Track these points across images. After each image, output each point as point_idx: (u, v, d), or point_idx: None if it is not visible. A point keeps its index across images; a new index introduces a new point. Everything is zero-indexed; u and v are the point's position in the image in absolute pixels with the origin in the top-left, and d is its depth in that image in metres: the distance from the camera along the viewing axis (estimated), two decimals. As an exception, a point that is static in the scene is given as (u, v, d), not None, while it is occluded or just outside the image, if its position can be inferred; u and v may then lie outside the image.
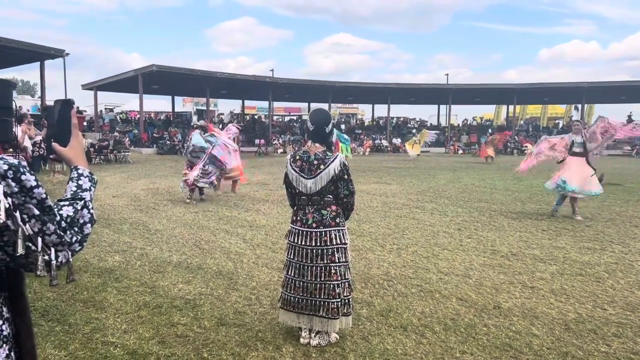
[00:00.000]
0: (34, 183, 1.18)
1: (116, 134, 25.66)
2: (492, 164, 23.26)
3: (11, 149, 8.07)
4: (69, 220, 1.24)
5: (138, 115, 34.01)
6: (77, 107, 33.41)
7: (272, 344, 3.45)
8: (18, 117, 11.23)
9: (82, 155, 1.46)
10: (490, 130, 32.71)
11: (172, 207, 9.24)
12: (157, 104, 45.73)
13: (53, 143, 1.41)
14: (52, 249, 1.20)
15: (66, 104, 1.48)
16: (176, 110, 42.28)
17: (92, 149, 20.76)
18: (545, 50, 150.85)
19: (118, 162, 21.17)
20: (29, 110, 24.43)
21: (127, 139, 26.39)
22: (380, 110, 45.27)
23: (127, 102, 44.51)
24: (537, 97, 42.54)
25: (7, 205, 1.13)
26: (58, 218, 1.22)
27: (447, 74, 44.11)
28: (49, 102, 25.16)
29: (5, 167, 1.15)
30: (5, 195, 1.13)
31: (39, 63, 23.95)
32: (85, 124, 30.88)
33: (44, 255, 1.19)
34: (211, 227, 7.48)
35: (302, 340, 3.47)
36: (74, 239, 1.25)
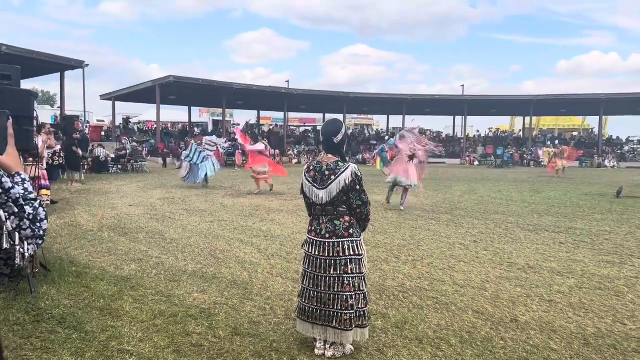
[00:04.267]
0: (10, 185, 1.30)
1: (134, 143, 25.91)
2: (563, 177, 22.04)
3: (31, 158, 8.20)
4: (31, 217, 1.35)
5: (155, 125, 34.43)
6: (104, 120, 33.84)
7: (287, 355, 3.44)
8: (37, 126, 11.43)
9: (19, 162, 1.55)
10: (557, 142, 31.09)
11: (187, 217, 9.31)
12: (174, 114, 46.27)
13: None
14: (25, 243, 1.33)
15: (1, 115, 1.56)
16: (193, 120, 42.72)
17: (109, 159, 21.04)
18: (563, 62, 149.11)
19: (135, 171, 21.41)
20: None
21: (145, 148, 26.69)
22: (396, 121, 45.19)
23: (144, 112, 45.09)
24: (554, 109, 42.20)
25: None
26: (27, 215, 1.34)
27: (463, 85, 43.89)
28: (68, 112, 25.59)
29: None
30: None
31: (59, 74, 24.43)
32: (102, 133, 31.32)
33: (20, 248, 1.31)
34: (226, 236, 7.52)
35: (316, 351, 3.45)
36: (40, 232, 1.37)
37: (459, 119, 44.76)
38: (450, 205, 11.69)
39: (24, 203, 1.35)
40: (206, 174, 15.08)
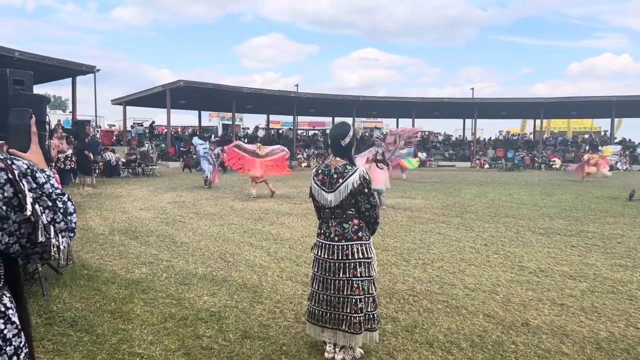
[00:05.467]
0: (44, 179, 1.36)
1: (145, 147, 26.00)
2: (587, 181, 20.93)
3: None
4: (62, 210, 1.40)
5: (165, 130, 34.64)
6: (115, 125, 34.09)
7: (297, 358, 3.44)
8: (49, 131, 11.57)
9: (43, 159, 1.60)
10: (587, 147, 29.65)
11: (197, 220, 9.34)
12: (184, 118, 46.56)
13: (11, 150, 1.52)
14: (59, 235, 1.37)
15: (25, 114, 1.61)
16: (202, 124, 42.93)
17: (120, 163, 21.19)
18: (575, 64, 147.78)
19: (145, 175, 21.54)
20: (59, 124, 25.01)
21: (155, 152, 26.82)
22: (405, 124, 45.06)
23: (155, 117, 45.40)
24: (564, 111, 41.85)
25: (31, 200, 1.29)
26: (59, 208, 1.39)
27: (473, 88, 43.59)
28: (80, 117, 25.82)
29: (25, 166, 1.33)
30: (29, 190, 1.31)
31: (70, 79, 24.66)
32: (114, 138, 31.56)
33: (55, 241, 1.36)
34: (236, 240, 7.54)
35: (326, 354, 3.45)
36: (72, 225, 1.43)
37: (468, 121, 44.54)
38: (461, 208, 11.63)
39: (55, 197, 1.40)
40: (207, 177, 16.40)
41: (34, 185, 1.33)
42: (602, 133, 48.14)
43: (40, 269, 4.64)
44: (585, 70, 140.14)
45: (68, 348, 3.51)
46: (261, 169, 13.61)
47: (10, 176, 1.27)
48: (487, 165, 36.03)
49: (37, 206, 1.31)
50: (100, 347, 3.56)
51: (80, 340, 3.65)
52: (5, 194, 1.25)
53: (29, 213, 1.27)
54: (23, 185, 1.28)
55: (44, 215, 1.33)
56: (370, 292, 3.44)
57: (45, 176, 1.41)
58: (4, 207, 1.25)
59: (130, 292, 4.85)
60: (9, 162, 1.29)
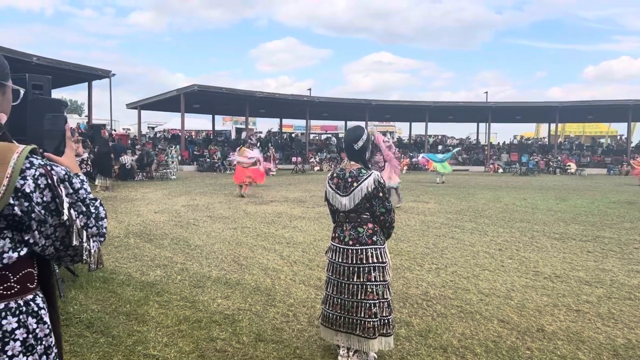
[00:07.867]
0: (79, 185, 1.41)
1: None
2: None
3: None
4: (94, 215, 1.45)
5: (179, 134, 34.89)
6: (129, 129, 34.35)
7: (310, 362, 3.44)
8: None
9: (77, 164, 1.65)
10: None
11: (211, 224, 9.40)
12: (198, 122, 46.87)
13: (46, 154, 1.56)
14: (91, 240, 1.42)
15: (60, 119, 1.66)
16: (216, 128, 43.18)
17: (135, 165, 21.37)
18: (591, 68, 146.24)
19: (159, 178, 21.71)
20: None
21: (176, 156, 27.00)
22: (418, 128, 44.93)
23: (169, 121, 45.77)
24: (580, 115, 41.43)
25: (67, 205, 1.34)
26: (92, 213, 1.43)
27: (487, 92, 43.15)
28: (95, 121, 26.12)
29: (63, 172, 1.38)
30: (66, 195, 1.36)
31: (87, 83, 24.98)
32: (129, 141, 31.88)
33: (87, 245, 1.41)
34: (249, 243, 7.56)
35: (340, 358, 3.44)
36: (103, 230, 1.47)
37: (482, 126, 44.28)
38: (475, 212, 11.56)
39: (89, 203, 1.45)
40: None
41: (71, 191, 1.38)
42: (619, 137, 47.56)
43: (57, 270, 4.70)
44: (601, 74, 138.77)
45: (84, 349, 3.55)
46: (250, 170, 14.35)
47: (50, 181, 1.32)
48: (501, 170, 35.74)
49: (72, 211, 1.36)
50: (116, 348, 3.59)
51: (96, 342, 3.69)
52: (44, 199, 1.31)
53: (65, 217, 1.33)
54: (61, 190, 1.34)
55: (77, 219, 1.38)
56: (385, 296, 3.42)
57: (80, 181, 1.45)
58: (43, 211, 1.31)
59: (145, 294, 4.89)
60: (49, 168, 1.35)
